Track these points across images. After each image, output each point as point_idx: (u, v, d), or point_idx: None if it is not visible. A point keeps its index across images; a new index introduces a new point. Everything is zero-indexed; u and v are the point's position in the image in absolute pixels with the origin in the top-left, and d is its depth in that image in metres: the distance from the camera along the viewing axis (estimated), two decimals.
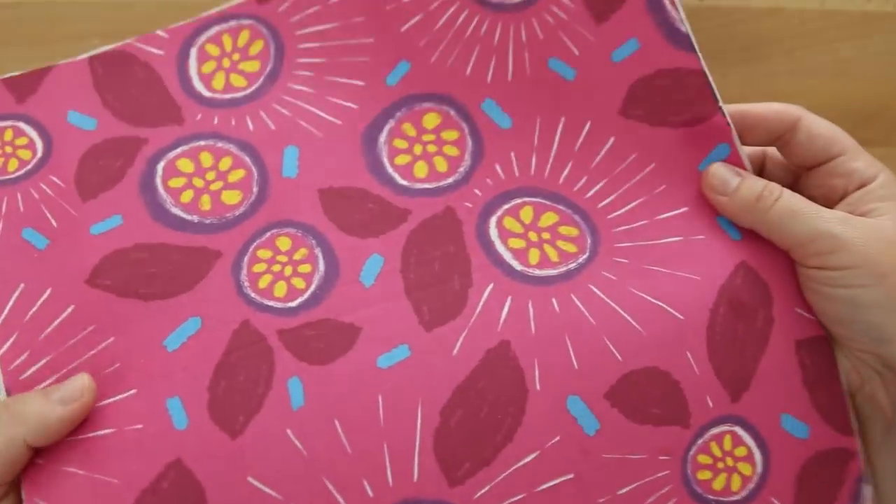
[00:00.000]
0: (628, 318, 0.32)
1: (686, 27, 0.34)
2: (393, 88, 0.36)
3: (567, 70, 0.35)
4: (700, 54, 0.33)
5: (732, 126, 0.33)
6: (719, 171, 0.33)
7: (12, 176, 0.35)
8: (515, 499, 0.30)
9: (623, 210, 0.34)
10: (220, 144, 0.35)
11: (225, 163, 0.35)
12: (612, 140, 0.34)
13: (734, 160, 0.33)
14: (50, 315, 0.32)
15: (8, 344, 0.32)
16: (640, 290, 0.32)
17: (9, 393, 0.31)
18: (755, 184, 0.32)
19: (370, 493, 0.30)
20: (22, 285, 0.33)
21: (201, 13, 0.49)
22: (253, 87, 0.36)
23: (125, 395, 0.31)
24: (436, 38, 0.36)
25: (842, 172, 0.33)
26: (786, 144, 0.34)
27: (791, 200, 0.31)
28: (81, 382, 0.30)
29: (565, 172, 0.35)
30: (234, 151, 0.35)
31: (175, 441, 0.30)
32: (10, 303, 0.32)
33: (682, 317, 0.32)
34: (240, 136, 0.35)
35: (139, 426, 0.31)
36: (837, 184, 0.33)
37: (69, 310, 0.32)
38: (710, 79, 0.33)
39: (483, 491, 0.30)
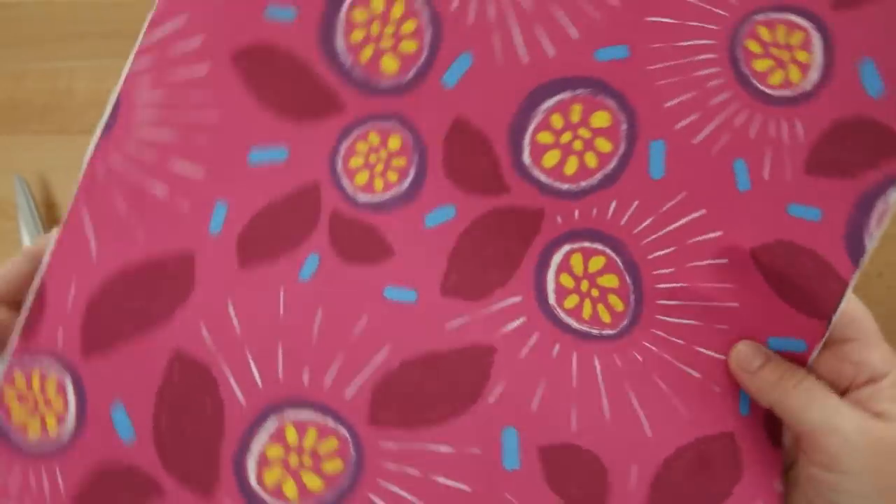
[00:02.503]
0: (605, 402, 0.33)
1: (869, 245, 0.32)
2: (595, 65, 0.34)
3: (745, 181, 0.34)
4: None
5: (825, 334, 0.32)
6: (745, 349, 0.33)
7: None
8: (411, 471, 0.31)
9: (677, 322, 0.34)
10: (416, 4, 0.34)
11: (408, 25, 0.35)
12: (724, 261, 0.34)
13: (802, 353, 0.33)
14: (186, 59, 0.34)
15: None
16: (635, 389, 0.33)
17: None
18: (779, 365, 0.32)
19: (304, 381, 0.32)
20: (186, 13, 0.34)
21: None
22: None
23: (196, 170, 0.34)
24: (671, 50, 0.34)
25: (854, 360, 0.32)
26: None
27: (812, 388, 0.31)
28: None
29: (657, 255, 0.34)
30: (423, 18, 0.35)
31: (201, 241, 0.33)
32: (160, 33, 0.34)
33: (650, 434, 0.32)
34: (437, 6, 0.34)
35: (186, 205, 0.33)
36: (846, 370, 0.32)
37: (203, 67, 0.34)
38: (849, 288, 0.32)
39: (389, 445, 0.31)
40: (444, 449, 0.32)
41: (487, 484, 0.31)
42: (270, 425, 0.32)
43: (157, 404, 0.32)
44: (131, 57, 0.34)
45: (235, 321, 0.33)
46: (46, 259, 0.33)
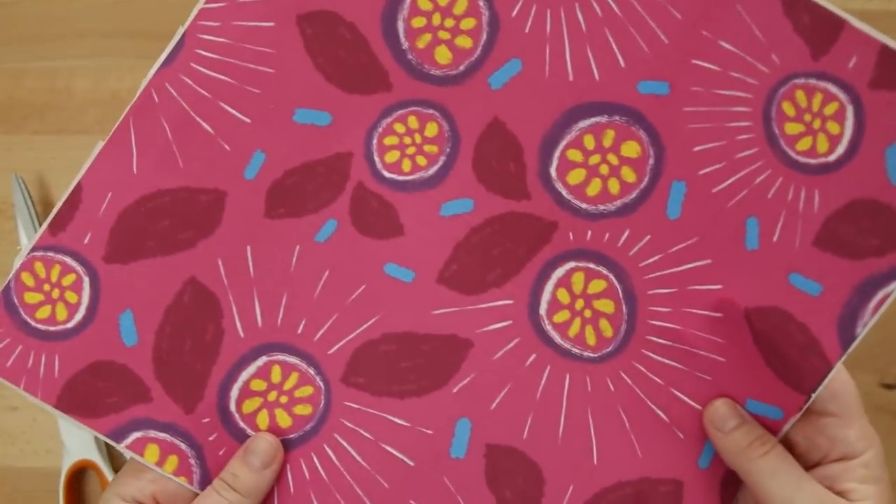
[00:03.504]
0: (562, 419, 0.34)
1: (861, 333, 0.32)
2: (636, 96, 0.35)
3: (754, 240, 0.34)
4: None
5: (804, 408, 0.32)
6: (722, 409, 0.33)
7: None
8: (365, 433, 0.34)
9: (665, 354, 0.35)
10: (480, 2, 0.36)
11: (467, 23, 0.36)
12: (719, 315, 0.34)
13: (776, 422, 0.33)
14: (254, 13, 0.36)
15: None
16: (596, 415, 0.34)
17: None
18: (752, 430, 0.32)
19: (299, 330, 0.34)
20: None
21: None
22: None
23: (243, 117, 0.36)
24: (709, 96, 0.34)
25: (829, 435, 0.32)
26: None
27: (778, 458, 0.31)
28: (268, 443, 0.33)
29: (657, 292, 0.35)
30: (482, 19, 0.36)
31: (236, 183, 0.35)
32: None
33: (595, 461, 0.34)
34: (499, 10, 0.36)
35: (227, 147, 0.36)
36: (822, 443, 0.32)
37: (269, 24, 0.36)
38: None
39: (353, 406, 0.34)
40: (399, 422, 0.34)
41: (430, 464, 0.34)
42: (260, 361, 0.34)
43: (163, 319, 0.34)
44: None
45: (251, 264, 0.35)
46: (88, 163, 0.35)
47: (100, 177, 0.35)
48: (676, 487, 0.34)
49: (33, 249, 0.34)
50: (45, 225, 0.34)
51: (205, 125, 0.36)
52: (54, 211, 0.34)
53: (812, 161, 0.33)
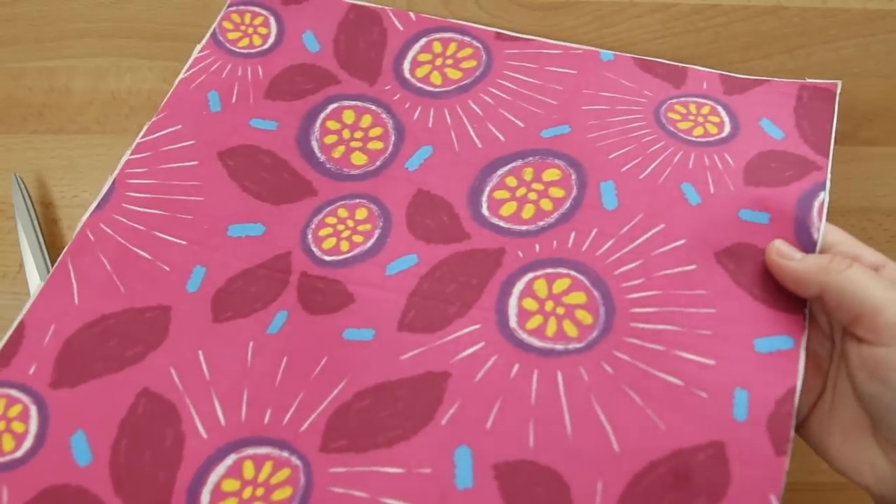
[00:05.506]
0: (567, 418, 0.32)
1: (818, 235, 0.35)
2: (542, 140, 0.40)
3: (694, 197, 0.37)
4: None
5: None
6: (784, 244, 0.34)
7: (242, 50, 0.44)
8: (358, 494, 0.31)
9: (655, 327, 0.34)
10: (383, 116, 0.42)
11: (375, 131, 0.41)
12: (692, 266, 0.35)
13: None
14: (178, 156, 0.40)
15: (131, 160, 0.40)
16: (602, 403, 0.32)
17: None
18: (824, 255, 0.33)
19: (265, 420, 0.33)
20: (179, 126, 0.41)
21: (197, 10, 0.49)
22: (440, 89, 0.42)
23: (179, 241, 0.38)
24: (606, 123, 0.40)
25: (850, 256, 0.32)
26: None
27: (864, 270, 0.31)
28: None
29: (624, 269, 0.35)
30: (388, 126, 0.41)
31: (179, 297, 0.36)
32: (158, 135, 0.41)
33: (617, 448, 0.31)
34: (401, 118, 0.41)
35: (166, 268, 0.37)
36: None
37: (193, 163, 0.40)
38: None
39: (339, 470, 0.32)
40: (393, 470, 0.31)
41: (439, 503, 0.31)
42: (229, 460, 0.32)
43: (118, 433, 0.33)
44: (129, 151, 0.40)
45: (205, 367, 0.35)
46: (28, 304, 0.36)
47: (42, 313, 0.36)
48: (718, 449, 0.30)
49: None
50: None
51: (142, 253, 0.37)
52: None
53: (712, 139, 0.39)
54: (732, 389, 0.31)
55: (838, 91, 0.41)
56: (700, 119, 0.40)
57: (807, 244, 0.34)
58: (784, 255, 0.33)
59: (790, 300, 0.33)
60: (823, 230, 0.35)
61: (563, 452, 0.31)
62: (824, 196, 0.36)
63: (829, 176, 0.37)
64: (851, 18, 0.48)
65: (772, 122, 0.40)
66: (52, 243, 0.43)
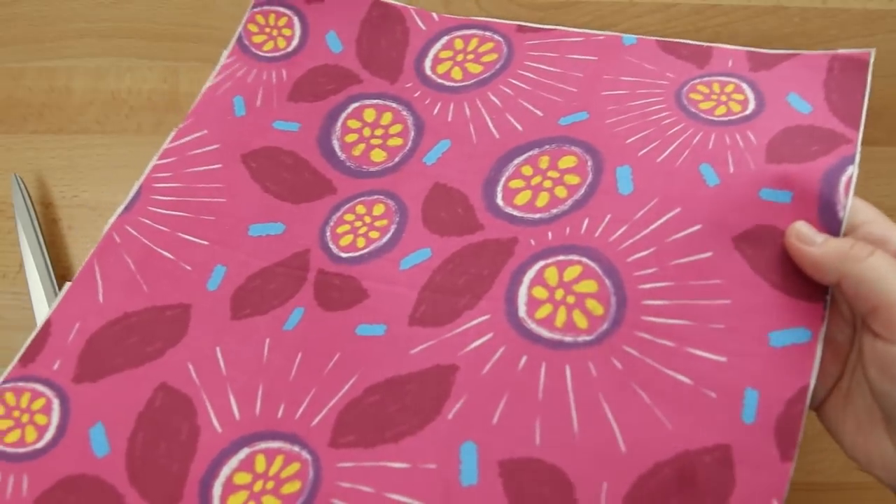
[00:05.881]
0: (574, 414, 0.31)
1: (844, 214, 0.32)
2: (559, 127, 0.39)
3: (713, 177, 0.35)
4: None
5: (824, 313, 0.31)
6: (804, 227, 0.32)
7: (267, 54, 0.44)
8: (364, 489, 0.31)
9: (673, 321, 0.33)
10: (403, 112, 0.42)
11: (395, 128, 0.41)
12: (708, 254, 0.33)
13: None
14: (203, 160, 0.41)
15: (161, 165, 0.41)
16: (610, 399, 0.31)
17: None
18: (845, 239, 0.31)
19: (279, 415, 0.33)
20: (205, 131, 0.41)
21: (197, 10, 0.49)
22: (460, 84, 0.42)
23: (200, 241, 0.39)
24: (625, 108, 0.39)
25: (877, 237, 0.31)
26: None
27: (887, 259, 0.29)
28: None
29: (637, 256, 0.34)
30: (408, 123, 0.41)
31: (199, 296, 0.37)
32: (184, 140, 0.42)
33: (623, 448, 0.30)
34: (421, 114, 0.41)
35: (188, 267, 0.38)
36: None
37: (217, 166, 0.40)
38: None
39: (347, 465, 0.32)
40: (399, 465, 0.31)
41: (442, 500, 0.30)
42: (242, 454, 0.33)
43: (135, 426, 0.34)
44: (156, 157, 0.41)
45: (222, 362, 0.35)
46: (56, 302, 0.37)
47: (68, 311, 0.37)
48: (724, 452, 0.29)
49: (4, 382, 0.35)
50: (15, 359, 0.35)
51: (165, 254, 0.38)
52: (24, 346, 0.36)
53: (735, 117, 0.37)
54: (743, 390, 0.30)
55: (871, 60, 0.38)
56: (724, 98, 0.38)
57: (832, 224, 0.32)
58: (804, 238, 0.31)
59: (810, 287, 0.32)
60: (850, 208, 0.32)
61: (569, 451, 0.30)
62: (853, 170, 0.33)
63: (859, 149, 0.34)
64: (851, 18, 0.48)
65: (800, 97, 0.37)
66: (52, 243, 0.43)
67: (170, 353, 0.35)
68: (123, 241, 0.38)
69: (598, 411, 0.31)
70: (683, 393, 0.31)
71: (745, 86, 0.38)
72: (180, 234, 0.39)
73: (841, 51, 0.39)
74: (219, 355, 0.35)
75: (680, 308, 0.32)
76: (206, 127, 0.42)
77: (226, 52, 0.44)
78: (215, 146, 0.41)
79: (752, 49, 0.40)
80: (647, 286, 0.33)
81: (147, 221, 0.39)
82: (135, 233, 0.39)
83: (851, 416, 0.31)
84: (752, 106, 0.37)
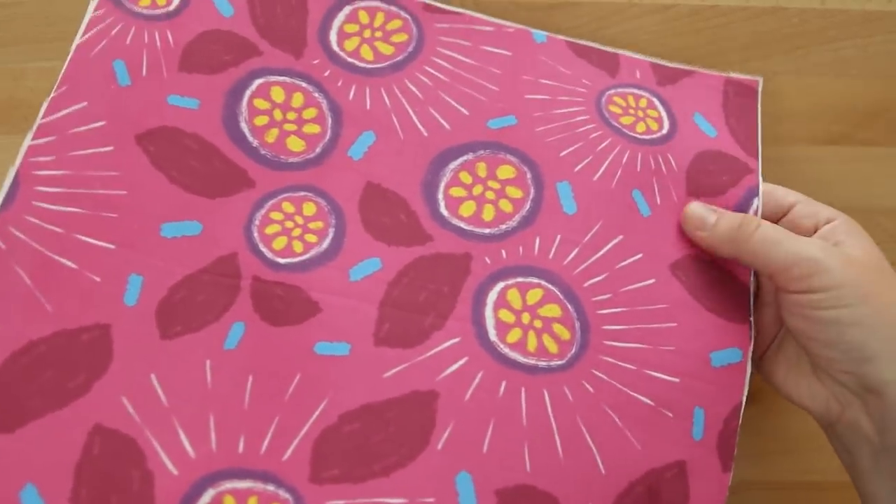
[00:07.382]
0: (558, 439, 0.32)
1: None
2: (490, 131, 0.38)
3: (645, 207, 0.37)
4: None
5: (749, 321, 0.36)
6: (697, 210, 0.36)
7: (144, 10, 0.38)
8: None
9: (629, 344, 0.35)
10: (315, 94, 0.38)
11: (309, 112, 0.38)
12: (652, 281, 0.36)
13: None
14: (89, 140, 0.35)
15: (41, 140, 0.35)
16: (587, 423, 0.33)
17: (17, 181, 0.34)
18: (733, 217, 0.35)
19: (240, 449, 0.30)
20: (85, 103, 0.35)
21: None
22: (373, 66, 0.39)
23: (106, 245, 0.33)
24: (550, 116, 0.39)
25: (807, 213, 0.36)
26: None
27: (770, 229, 0.33)
28: None
29: (592, 282, 0.36)
30: (322, 107, 0.38)
31: (117, 313, 0.32)
32: (62, 114, 0.35)
33: (603, 470, 0.32)
34: (336, 98, 0.38)
35: (97, 278, 0.33)
36: (807, 223, 0.35)
37: (108, 148, 0.35)
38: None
39: (337, 502, 0.30)
40: (395, 501, 0.30)
41: None
42: (206, 497, 0.29)
43: (75, 481, 0.29)
44: (30, 135, 0.34)
45: (160, 392, 0.31)
46: None
47: None
48: (680, 468, 0.33)
49: None
50: None
51: (65, 262, 0.32)
52: None
53: (654, 136, 0.39)
54: (693, 409, 0.33)
55: (760, 88, 0.42)
56: (640, 114, 0.40)
57: None
58: (697, 225, 0.36)
59: (737, 309, 0.35)
60: (781, 194, 0.37)
61: (557, 475, 0.32)
62: (758, 203, 0.37)
63: (760, 179, 0.38)
64: (850, 19, 0.48)
65: (704, 118, 0.41)
66: None
67: (97, 386, 0.30)
68: (10, 248, 0.32)
69: (578, 435, 0.32)
70: (647, 413, 0.33)
71: (656, 101, 0.41)
72: (78, 235, 0.33)
73: (733, 74, 0.42)
74: (155, 383, 0.31)
75: (636, 332, 0.34)
76: (85, 98, 0.35)
77: (92, 5, 0.38)
78: (101, 122, 0.35)
79: (655, 60, 0.43)
80: (605, 311, 0.35)
81: (34, 220, 0.33)
82: (22, 236, 0.32)
83: (783, 362, 0.36)
84: (666, 125, 0.40)
